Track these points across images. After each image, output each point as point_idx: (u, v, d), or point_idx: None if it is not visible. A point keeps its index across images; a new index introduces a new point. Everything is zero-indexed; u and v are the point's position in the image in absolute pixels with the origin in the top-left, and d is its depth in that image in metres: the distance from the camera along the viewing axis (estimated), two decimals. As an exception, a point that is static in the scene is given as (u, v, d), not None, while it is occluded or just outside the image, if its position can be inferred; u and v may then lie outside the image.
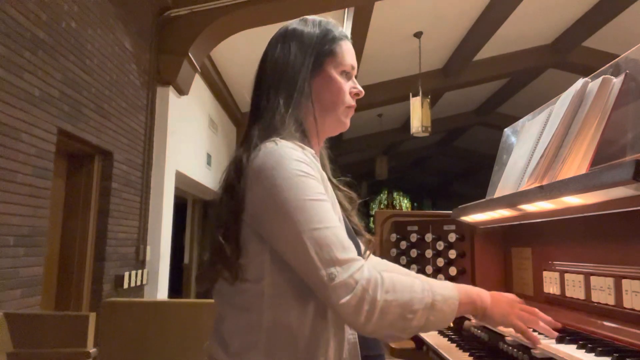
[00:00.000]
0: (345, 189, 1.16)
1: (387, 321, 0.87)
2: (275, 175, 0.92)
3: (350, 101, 1.11)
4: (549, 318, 1.05)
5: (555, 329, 1.05)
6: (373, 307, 0.86)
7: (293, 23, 1.13)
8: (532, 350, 1.07)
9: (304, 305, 0.94)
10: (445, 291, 0.92)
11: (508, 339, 1.19)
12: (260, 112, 1.05)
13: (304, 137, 1.04)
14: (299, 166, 0.93)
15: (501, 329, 1.17)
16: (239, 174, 0.96)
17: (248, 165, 0.95)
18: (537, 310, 1.05)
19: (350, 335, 1.00)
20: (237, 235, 0.95)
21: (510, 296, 1.05)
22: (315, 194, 0.92)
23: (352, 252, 0.90)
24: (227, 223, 0.96)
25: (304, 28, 1.10)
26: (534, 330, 1.05)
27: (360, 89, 1.12)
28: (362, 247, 1.09)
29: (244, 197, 0.94)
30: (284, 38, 1.10)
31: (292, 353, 0.94)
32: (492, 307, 0.97)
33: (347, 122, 1.13)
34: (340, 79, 1.09)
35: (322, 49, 1.08)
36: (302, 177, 0.92)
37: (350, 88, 1.11)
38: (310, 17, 1.14)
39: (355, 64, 1.13)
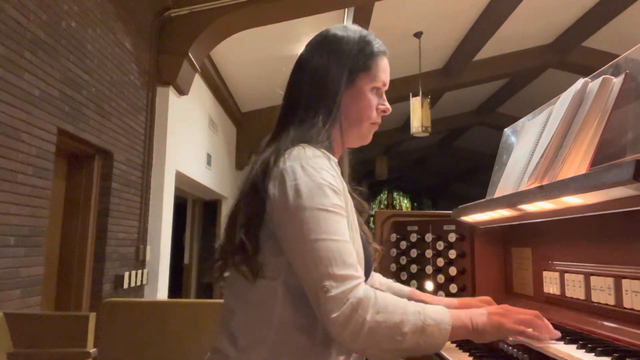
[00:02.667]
0: (358, 198, 1.16)
1: (375, 341, 0.87)
2: (298, 180, 0.93)
3: (377, 118, 1.12)
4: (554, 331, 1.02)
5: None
6: (361, 327, 0.86)
7: (333, 29, 1.12)
8: (530, 348, 1.06)
9: None
10: (438, 316, 0.91)
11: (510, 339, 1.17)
12: (296, 117, 1.05)
13: (330, 146, 1.05)
14: (323, 174, 0.94)
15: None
16: (265, 173, 0.97)
17: (275, 167, 0.96)
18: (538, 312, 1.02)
19: None
20: (258, 233, 0.96)
21: (506, 307, 1.02)
22: (332, 204, 0.93)
23: (353, 269, 0.89)
24: (249, 220, 0.97)
25: (344, 37, 1.10)
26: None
27: (388, 106, 1.12)
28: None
29: (266, 196, 0.96)
30: (322, 45, 1.10)
31: (299, 351, 0.94)
32: (485, 326, 0.94)
33: (370, 137, 1.14)
34: (370, 96, 1.09)
35: (357, 63, 1.08)
36: (323, 186, 0.93)
37: (378, 105, 1.11)
38: (351, 27, 1.14)
39: (387, 80, 1.12)
